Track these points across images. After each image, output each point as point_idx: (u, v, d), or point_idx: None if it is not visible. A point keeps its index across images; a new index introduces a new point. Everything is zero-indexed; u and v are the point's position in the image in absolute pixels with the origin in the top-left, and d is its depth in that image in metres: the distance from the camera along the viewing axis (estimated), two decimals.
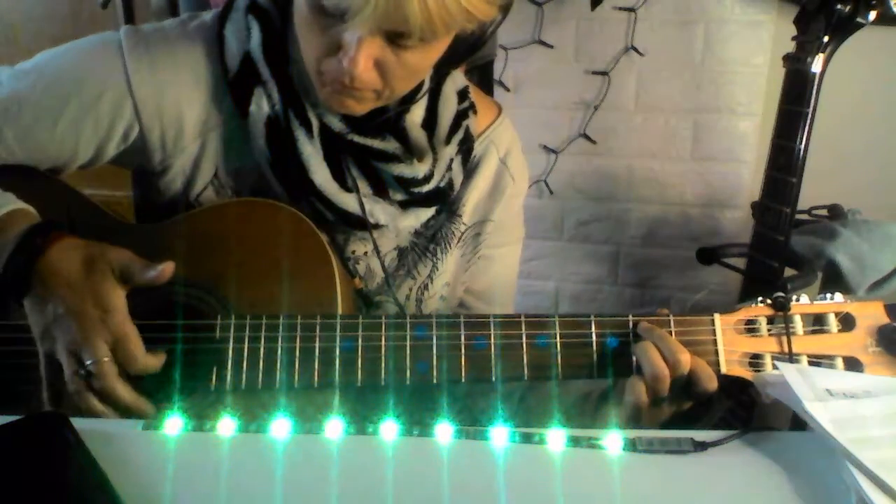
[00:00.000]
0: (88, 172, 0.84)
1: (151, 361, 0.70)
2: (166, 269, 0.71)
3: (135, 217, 0.89)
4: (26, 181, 0.80)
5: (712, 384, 0.72)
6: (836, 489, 0.59)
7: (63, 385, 0.69)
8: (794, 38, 1.26)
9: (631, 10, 1.79)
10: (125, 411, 0.69)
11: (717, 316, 0.74)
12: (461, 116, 0.87)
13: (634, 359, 0.72)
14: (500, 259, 0.97)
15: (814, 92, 1.22)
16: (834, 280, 1.45)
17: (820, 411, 0.62)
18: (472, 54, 0.77)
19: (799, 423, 0.65)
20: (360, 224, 0.83)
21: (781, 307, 0.73)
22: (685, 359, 0.70)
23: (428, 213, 0.87)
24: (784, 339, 0.73)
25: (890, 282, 1.46)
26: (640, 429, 0.71)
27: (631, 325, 0.74)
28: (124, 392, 0.68)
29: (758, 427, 0.68)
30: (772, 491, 0.60)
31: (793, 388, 0.64)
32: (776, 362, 0.72)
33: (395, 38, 0.67)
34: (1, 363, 0.76)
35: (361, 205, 0.82)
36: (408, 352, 0.73)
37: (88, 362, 0.67)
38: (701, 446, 0.65)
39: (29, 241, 0.70)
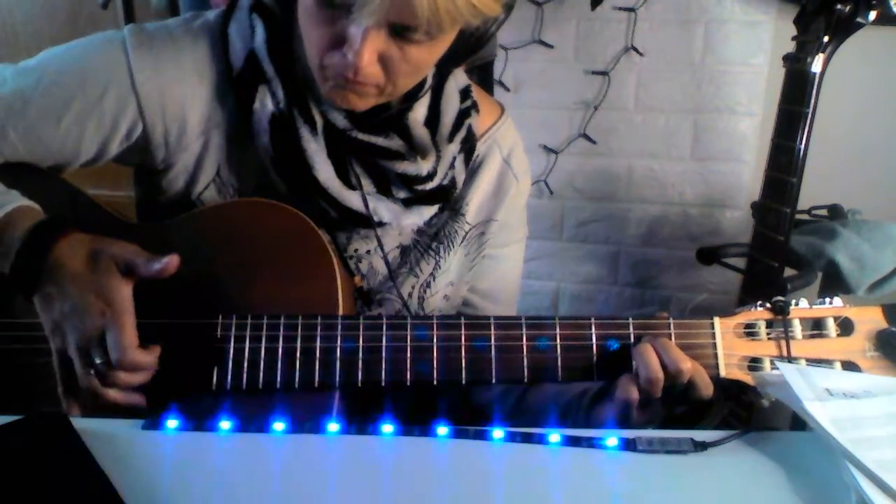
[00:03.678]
0: (89, 172, 0.84)
1: (143, 356, 0.69)
2: (171, 262, 0.70)
3: (136, 216, 0.89)
4: (30, 180, 0.80)
5: (708, 391, 0.72)
6: (836, 489, 0.59)
7: (76, 381, 0.69)
8: (794, 38, 1.26)
9: (631, 10, 1.79)
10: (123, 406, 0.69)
11: (716, 319, 0.74)
12: (464, 115, 0.87)
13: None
14: (504, 258, 0.97)
15: (814, 92, 1.22)
16: (834, 280, 1.45)
17: (820, 411, 0.62)
18: (474, 53, 0.77)
19: (799, 423, 0.65)
20: (364, 222, 0.83)
21: (780, 311, 0.73)
22: (687, 368, 0.70)
23: (431, 210, 0.87)
24: (783, 343, 0.73)
25: (890, 282, 1.46)
26: (634, 428, 0.71)
27: (631, 327, 0.74)
28: (126, 387, 0.68)
29: (758, 427, 0.68)
30: (772, 491, 0.60)
31: (793, 388, 0.64)
32: (776, 362, 0.72)
33: (401, 31, 0.66)
34: (5, 362, 0.76)
35: (365, 202, 0.82)
36: (408, 353, 0.73)
37: (98, 361, 0.67)
38: (701, 446, 0.65)
39: (37, 237, 0.70)
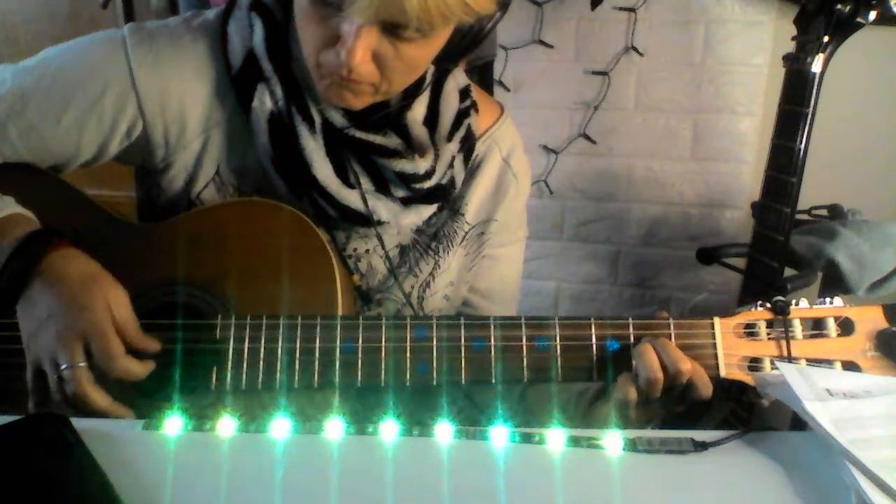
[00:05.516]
0: (90, 172, 0.84)
1: (134, 366, 0.68)
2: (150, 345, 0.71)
3: (137, 216, 0.89)
4: (30, 180, 0.80)
5: (707, 391, 0.72)
6: (836, 489, 0.59)
7: (46, 394, 0.68)
8: (794, 38, 1.26)
9: (631, 10, 1.79)
10: (104, 417, 0.68)
11: (716, 320, 0.74)
12: (463, 115, 0.87)
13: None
14: (504, 258, 0.97)
15: (814, 92, 1.22)
16: (834, 280, 1.45)
17: (820, 411, 0.62)
18: (471, 50, 0.77)
19: (799, 423, 0.65)
20: (363, 220, 0.83)
21: (781, 311, 0.73)
22: (686, 368, 0.70)
23: (430, 210, 0.87)
24: (783, 343, 0.73)
25: (890, 282, 1.46)
26: (632, 427, 0.71)
27: (631, 327, 0.74)
28: (98, 398, 0.67)
29: (758, 427, 0.68)
30: (772, 491, 0.60)
31: (793, 388, 0.64)
32: (776, 362, 0.72)
33: (393, 29, 0.66)
34: (1, 362, 0.76)
35: (364, 201, 0.82)
36: (408, 353, 0.73)
37: (62, 367, 0.66)
38: (701, 446, 0.65)
39: (27, 246, 0.69)
